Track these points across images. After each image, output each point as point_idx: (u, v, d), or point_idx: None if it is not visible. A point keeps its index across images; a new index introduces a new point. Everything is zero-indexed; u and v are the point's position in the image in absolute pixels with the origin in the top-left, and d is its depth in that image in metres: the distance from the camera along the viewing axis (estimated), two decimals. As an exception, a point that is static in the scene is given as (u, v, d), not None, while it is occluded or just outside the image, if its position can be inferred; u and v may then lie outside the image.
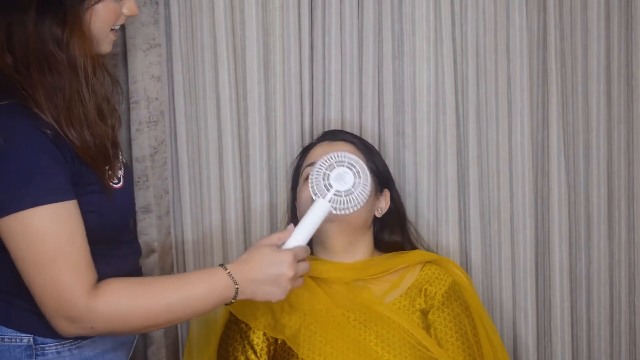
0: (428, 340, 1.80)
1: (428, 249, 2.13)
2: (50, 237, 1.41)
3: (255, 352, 1.83)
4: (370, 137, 2.19)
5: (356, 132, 2.20)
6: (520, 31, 2.25)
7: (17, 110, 1.45)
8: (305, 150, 2.05)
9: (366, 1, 2.19)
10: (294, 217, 2.03)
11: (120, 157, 1.65)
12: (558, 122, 2.30)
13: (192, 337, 1.98)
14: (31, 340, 1.49)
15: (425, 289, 1.88)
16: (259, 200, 2.17)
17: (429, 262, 1.96)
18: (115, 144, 1.58)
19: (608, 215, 2.41)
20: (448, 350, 1.82)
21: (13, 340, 1.49)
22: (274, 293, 1.58)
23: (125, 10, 1.60)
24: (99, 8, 1.53)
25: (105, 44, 1.60)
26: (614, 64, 2.37)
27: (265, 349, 1.84)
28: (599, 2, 2.33)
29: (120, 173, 1.61)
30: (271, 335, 1.84)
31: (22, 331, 1.50)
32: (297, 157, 2.09)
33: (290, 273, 1.57)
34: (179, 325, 2.17)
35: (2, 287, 1.52)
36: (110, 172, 1.55)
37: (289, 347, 1.81)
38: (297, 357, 1.79)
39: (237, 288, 1.53)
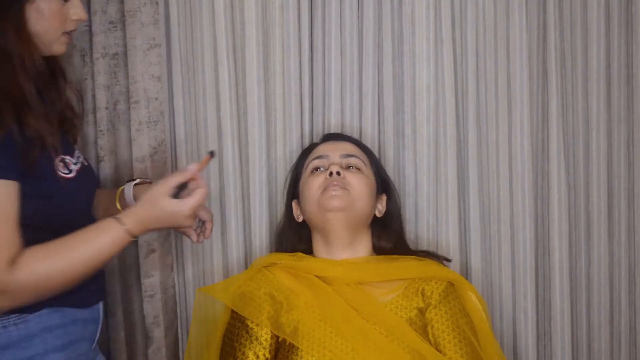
0: (423, 347, 1.80)
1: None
2: None
3: (263, 347, 1.83)
4: (370, 138, 2.19)
5: (356, 132, 2.20)
6: (520, 31, 2.25)
7: None
8: (308, 150, 2.07)
9: (366, 1, 2.19)
10: (291, 218, 2.03)
11: (79, 154, 1.72)
12: (558, 122, 2.30)
13: (192, 339, 1.98)
14: None
15: (423, 289, 1.88)
16: (258, 200, 2.17)
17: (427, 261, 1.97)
18: (52, 136, 1.60)
19: (608, 215, 2.41)
20: (445, 347, 1.82)
21: None
22: (165, 227, 1.72)
23: (73, 16, 1.63)
24: (42, 5, 1.57)
25: (57, 45, 1.64)
26: (614, 64, 2.37)
27: (274, 345, 1.84)
28: (599, 2, 2.33)
29: (75, 167, 1.66)
30: (274, 332, 1.84)
31: None
32: (296, 161, 2.10)
33: (191, 222, 1.69)
34: (179, 325, 2.18)
35: None
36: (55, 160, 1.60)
37: (290, 345, 1.81)
38: (298, 356, 1.79)
39: (131, 238, 1.64)
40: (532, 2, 2.27)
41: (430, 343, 1.82)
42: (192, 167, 1.71)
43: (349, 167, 1.96)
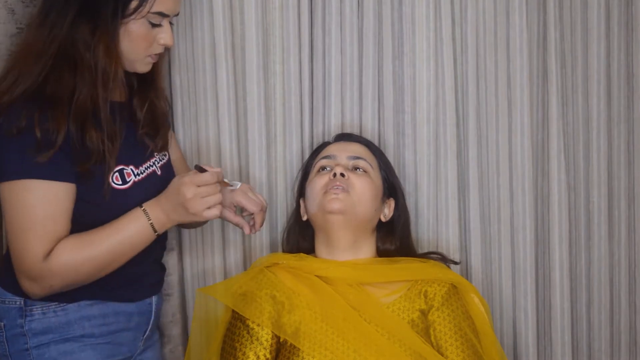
0: (425, 349, 1.80)
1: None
2: (34, 209, 1.60)
3: (264, 347, 1.83)
4: (370, 137, 2.19)
5: (356, 132, 2.20)
6: (520, 31, 2.26)
7: (37, 100, 1.61)
8: (319, 148, 2.07)
9: (366, 1, 2.19)
10: (298, 216, 2.03)
11: (154, 162, 1.81)
12: (558, 122, 2.30)
13: (193, 339, 1.98)
14: (22, 302, 1.70)
15: (425, 291, 1.88)
16: (259, 201, 2.17)
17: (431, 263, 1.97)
18: (110, 153, 1.68)
19: (608, 215, 2.42)
20: (447, 350, 1.82)
21: (10, 303, 1.71)
22: (183, 214, 1.70)
23: (160, 40, 1.72)
24: (132, 27, 1.66)
25: (141, 64, 1.74)
26: (614, 64, 2.38)
27: (274, 346, 1.84)
28: (599, 2, 2.34)
29: (135, 178, 1.74)
30: (275, 333, 1.84)
31: (16, 295, 1.70)
32: (307, 159, 2.10)
33: (188, 195, 1.67)
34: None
35: (8, 256, 1.71)
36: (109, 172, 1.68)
37: (291, 345, 1.81)
38: (299, 357, 1.79)
39: (151, 223, 1.69)
40: (532, 2, 2.28)
41: (433, 345, 1.82)
42: (217, 169, 1.74)
43: (356, 168, 1.96)
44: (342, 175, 1.90)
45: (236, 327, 1.85)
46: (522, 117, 2.27)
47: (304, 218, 2.01)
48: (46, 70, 1.63)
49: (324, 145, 2.08)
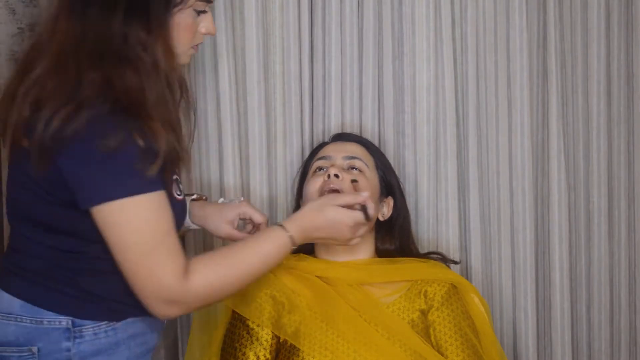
0: (425, 349, 1.80)
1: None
2: (156, 224, 1.47)
3: (264, 347, 1.83)
4: (370, 137, 2.19)
5: (356, 132, 2.20)
6: (520, 31, 2.26)
7: (117, 107, 1.47)
8: (317, 149, 2.07)
9: (366, 1, 2.19)
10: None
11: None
12: (558, 122, 2.31)
13: (193, 340, 1.98)
14: (70, 322, 1.52)
15: (425, 291, 1.88)
16: (259, 200, 2.16)
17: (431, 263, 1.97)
18: (185, 153, 1.58)
19: (608, 215, 2.42)
20: (447, 350, 1.82)
21: (52, 323, 1.52)
22: (328, 242, 1.77)
23: (202, 29, 1.65)
24: (178, 18, 1.57)
25: (184, 57, 1.65)
26: (614, 64, 2.38)
27: (274, 346, 1.84)
28: (599, 2, 2.34)
29: (181, 186, 1.66)
30: (275, 333, 1.84)
31: (61, 314, 1.52)
32: (305, 159, 2.10)
33: (349, 235, 1.70)
34: (178, 326, 2.18)
35: (41, 270, 1.55)
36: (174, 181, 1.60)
37: (291, 346, 1.81)
38: (299, 357, 1.79)
39: (293, 248, 1.66)
40: (532, 2, 2.28)
41: (433, 345, 1.82)
42: (365, 194, 1.74)
43: (352, 168, 1.96)
44: (337, 176, 1.90)
45: (236, 327, 1.86)
46: (522, 117, 2.27)
47: (303, 218, 2.01)
48: (113, 74, 1.48)
49: (321, 145, 2.08)
